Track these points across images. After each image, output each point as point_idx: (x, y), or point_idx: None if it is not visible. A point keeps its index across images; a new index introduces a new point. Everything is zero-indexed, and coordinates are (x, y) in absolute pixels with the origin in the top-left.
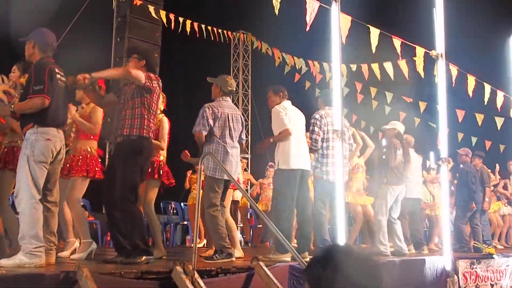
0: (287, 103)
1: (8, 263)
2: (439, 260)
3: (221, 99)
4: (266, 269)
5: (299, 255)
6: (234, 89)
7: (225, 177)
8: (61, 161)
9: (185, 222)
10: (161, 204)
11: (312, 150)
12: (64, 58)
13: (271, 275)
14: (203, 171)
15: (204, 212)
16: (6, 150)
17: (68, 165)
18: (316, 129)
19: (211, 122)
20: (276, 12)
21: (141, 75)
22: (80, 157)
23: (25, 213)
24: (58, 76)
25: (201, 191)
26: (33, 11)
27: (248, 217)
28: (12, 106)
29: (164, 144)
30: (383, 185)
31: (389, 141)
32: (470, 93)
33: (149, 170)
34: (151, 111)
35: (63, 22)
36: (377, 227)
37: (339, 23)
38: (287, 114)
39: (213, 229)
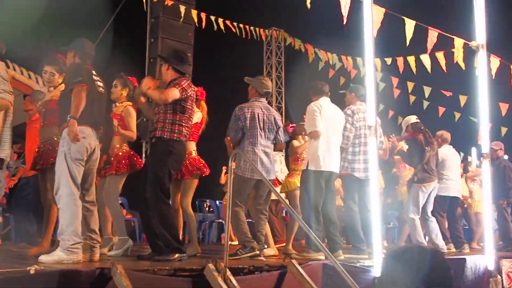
0: (323, 101)
1: (47, 259)
2: (481, 259)
3: (254, 99)
4: (299, 267)
5: (330, 254)
6: (270, 90)
7: (255, 177)
8: (96, 160)
9: (221, 220)
10: (196, 202)
11: (342, 148)
12: (100, 60)
13: (304, 273)
14: (233, 169)
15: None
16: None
17: (104, 165)
18: (348, 126)
19: (241, 124)
20: (308, 5)
21: (175, 94)
22: (114, 156)
23: (64, 209)
24: (96, 78)
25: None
26: (69, 15)
27: (284, 214)
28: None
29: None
30: (414, 183)
31: (414, 140)
32: None
33: (184, 169)
34: (185, 115)
35: (98, 25)
36: (411, 226)
37: (372, 16)
38: (322, 113)
39: (236, 226)
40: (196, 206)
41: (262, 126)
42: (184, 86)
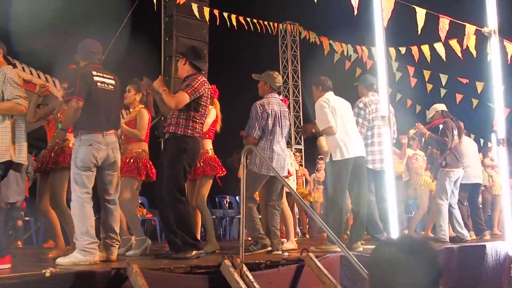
0: (329, 95)
1: (65, 261)
2: (501, 245)
3: (270, 95)
4: (316, 260)
5: (343, 245)
6: (281, 84)
7: (271, 173)
8: (114, 164)
9: (239, 216)
10: (216, 198)
11: None
12: (116, 59)
13: (321, 266)
14: (246, 165)
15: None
16: (57, 149)
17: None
18: (360, 120)
19: (263, 122)
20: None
21: (184, 99)
22: (131, 159)
23: (75, 213)
24: (99, 78)
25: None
26: (84, 16)
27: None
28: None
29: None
30: (442, 168)
31: (442, 122)
32: None
33: (199, 166)
34: (199, 112)
35: (113, 25)
36: (437, 211)
37: (381, 5)
38: (331, 106)
39: (249, 221)
40: (216, 202)
41: (280, 123)
42: (195, 86)
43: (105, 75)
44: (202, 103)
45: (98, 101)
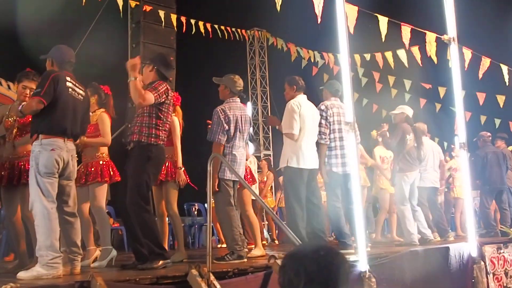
0: (302, 99)
1: (26, 275)
2: (464, 247)
3: (231, 100)
4: None
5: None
6: (243, 88)
7: (233, 178)
8: (72, 173)
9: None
10: (185, 206)
11: (323, 145)
12: (83, 66)
13: None
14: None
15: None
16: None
17: (84, 174)
18: (323, 121)
19: (226, 127)
20: (278, 8)
21: (150, 98)
22: (93, 163)
23: (39, 225)
24: (70, 85)
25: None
26: (50, 23)
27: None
28: (21, 106)
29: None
30: (397, 172)
31: (398, 126)
32: (480, 75)
33: (164, 173)
34: (161, 120)
35: (80, 31)
36: (401, 216)
37: (345, 13)
38: (300, 112)
39: (227, 230)
40: (185, 210)
41: (241, 128)
42: (161, 91)
43: (76, 84)
44: (164, 109)
45: (65, 107)
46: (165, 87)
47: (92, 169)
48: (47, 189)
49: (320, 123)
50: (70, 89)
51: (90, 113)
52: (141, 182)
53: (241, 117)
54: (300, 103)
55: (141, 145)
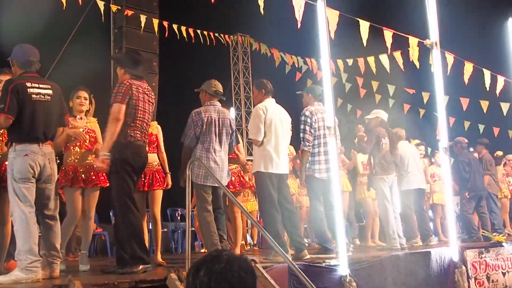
0: (269, 102)
1: (5, 280)
2: (445, 251)
3: (208, 103)
4: (263, 271)
5: (286, 256)
6: (220, 90)
7: (209, 183)
8: (51, 176)
9: (193, 229)
10: (168, 211)
11: (305, 152)
12: (66, 72)
13: (268, 277)
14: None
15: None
16: None
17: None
18: (307, 128)
19: (198, 130)
20: (262, 11)
21: (119, 109)
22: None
23: (18, 229)
24: (34, 90)
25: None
26: (31, 27)
27: (258, 219)
28: None
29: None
30: (374, 177)
31: (373, 130)
32: (466, 80)
33: (147, 179)
34: (134, 117)
35: (62, 35)
36: (384, 219)
37: (326, 18)
38: (268, 117)
39: (206, 235)
40: (168, 215)
41: (218, 131)
42: (122, 91)
43: (41, 85)
44: (134, 105)
45: (33, 114)
46: (126, 85)
47: (93, 172)
48: (23, 194)
49: (304, 130)
50: (33, 95)
51: (81, 116)
52: (122, 180)
53: (219, 120)
54: (267, 107)
55: (116, 145)
